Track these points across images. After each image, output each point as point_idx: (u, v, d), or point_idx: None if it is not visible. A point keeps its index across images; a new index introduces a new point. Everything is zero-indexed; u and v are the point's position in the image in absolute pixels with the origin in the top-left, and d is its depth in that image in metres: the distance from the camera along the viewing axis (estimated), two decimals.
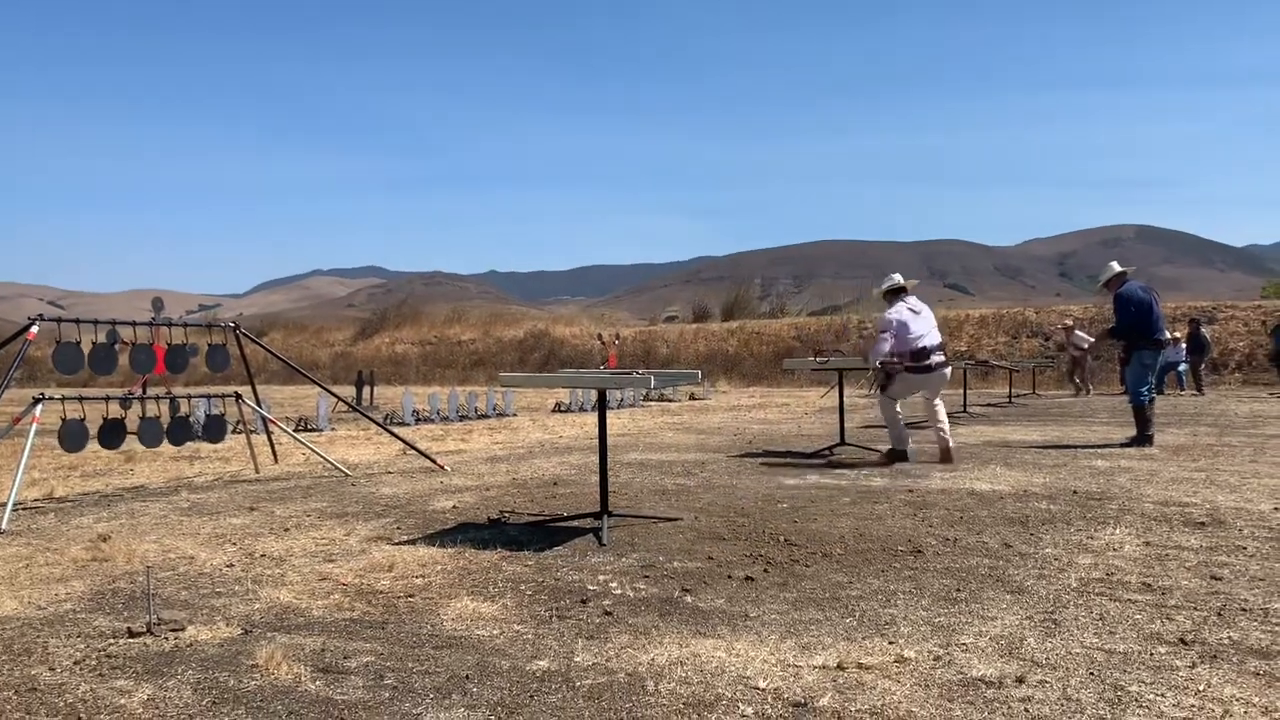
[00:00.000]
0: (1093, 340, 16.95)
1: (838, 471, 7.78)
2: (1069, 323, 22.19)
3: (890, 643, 3.23)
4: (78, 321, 6.93)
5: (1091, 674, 2.89)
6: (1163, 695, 2.71)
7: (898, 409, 8.47)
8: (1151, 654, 3.06)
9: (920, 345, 8.28)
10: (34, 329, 6.59)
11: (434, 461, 8.40)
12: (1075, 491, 6.46)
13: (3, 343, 7.01)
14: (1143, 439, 9.45)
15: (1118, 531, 5.06)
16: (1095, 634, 3.28)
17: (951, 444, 8.40)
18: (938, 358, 8.35)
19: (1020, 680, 2.84)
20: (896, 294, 8.58)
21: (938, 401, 8.53)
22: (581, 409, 17.10)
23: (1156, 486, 6.64)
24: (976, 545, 4.78)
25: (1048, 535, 5.01)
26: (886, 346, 8.38)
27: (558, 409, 17.23)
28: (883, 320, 8.48)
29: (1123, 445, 9.47)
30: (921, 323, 8.38)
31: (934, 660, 3.04)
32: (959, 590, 3.90)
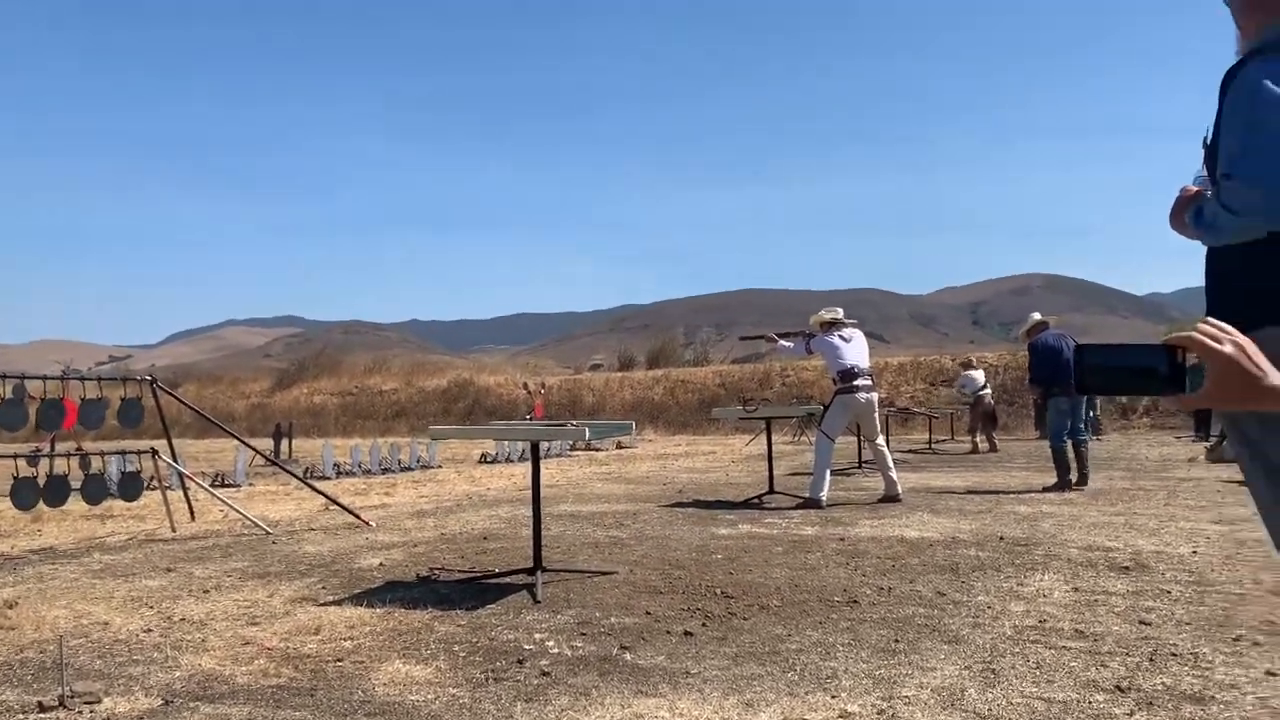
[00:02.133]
0: (982, 384, 17.30)
1: (768, 520, 7.80)
2: (948, 362, 22.55)
3: (833, 697, 3.21)
4: None
5: None
6: None
7: (831, 453, 8.79)
8: (1090, 702, 3.09)
9: (847, 365, 8.83)
10: None
11: (358, 517, 8.20)
12: (1002, 538, 6.56)
13: None
14: (1063, 484, 9.70)
15: (1046, 578, 5.14)
16: (1034, 683, 3.31)
17: (899, 485, 8.99)
18: (864, 381, 8.86)
19: None
20: (832, 325, 9.11)
21: (880, 442, 9.13)
22: (509, 459, 16.92)
23: (1079, 531, 6.78)
24: (911, 594, 4.81)
25: (979, 583, 5.06)
26: (789, 345, 9.35)
27: (484, 460, 17.02)
28: (814, 340, 9.12)
29: (1044, 490, 9.69)
30: (850, 349, 8.94)
31: (877, 714, 3.02)
32: (897, 641, 3.91)
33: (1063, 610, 4.38)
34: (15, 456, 6.90)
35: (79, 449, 11.61)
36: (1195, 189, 2.07)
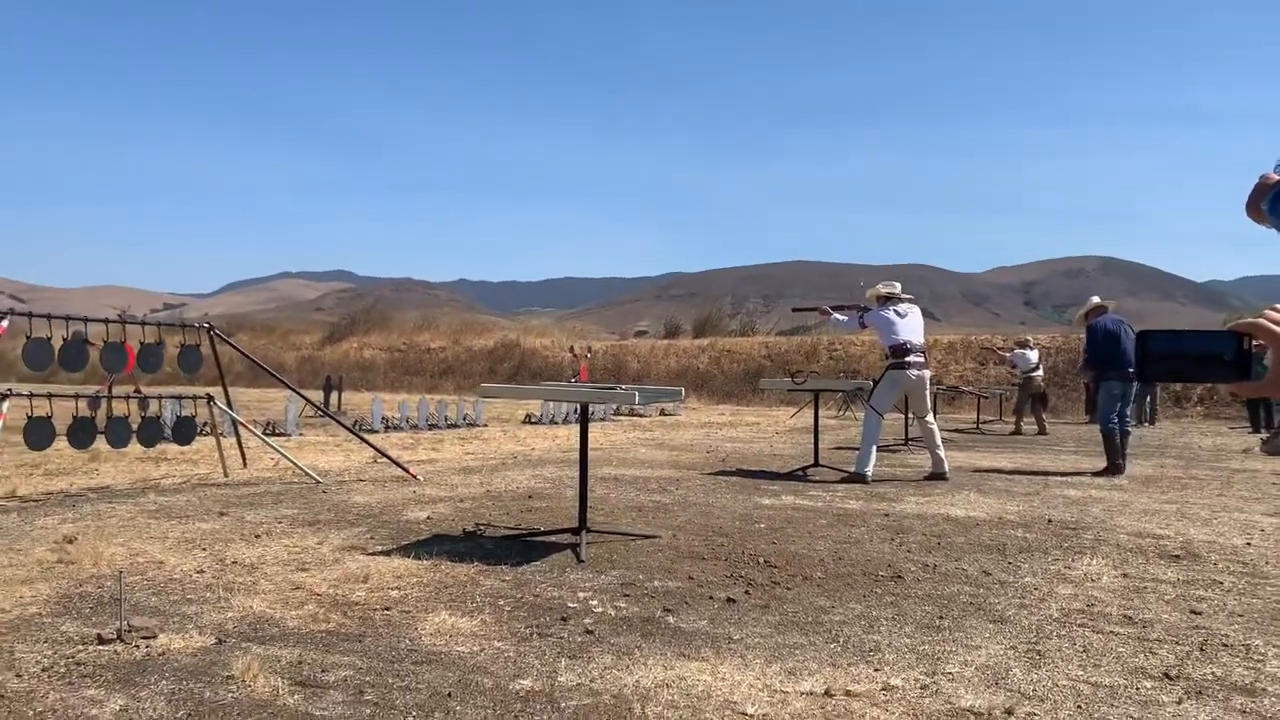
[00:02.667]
0: (1035, 364, 16.96)
1: (813, 493, 7.78)
2: (1000, 342, 22.23)
3: (876, 670, 3.20)
4: (49, 317, 6.80)
5: (1079, 707, 2.88)
6: None
7: (879, 429, 8.74)
8: (1138, 688, 3.06)
9: (900, 341, 8.72)
10: (4, 324, 6.46)
11: (406, 470, 8.31)
12: (1050, 520, 6.48)
13: None
14: (1113, 468, 9.58)
15: (1094, 562, 5.08)
16: (1080, 666, 3.28)
17: (947, 463, 8.88)
18: (916, 358, 8.75)
19: (1009, 712, 2.82)
20: (888, 300, 9.00)
21: (929, 419, 8.98)
22: (553, 421, 17.02)
23: (1130, 517, 6.68)
24: (956, 572, 4.78)
25: (1026, 564, 5.01)
26: (842, 318, 9.19)
27: (529, 420, 17.14)
28: (869, 314, 9.02)
29: (1093, 475, 9.57)
30: (905, 325, 8.81)
31: (921, 689, 3.02)
32: (941, 618, 3.89)
33: (1111, 595, 4.33)
34: (76, 397, 7.05)
35: (137, 390, 11.85)
36: (1276, 177, 2.00)
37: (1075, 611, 4.03)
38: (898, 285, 9.13)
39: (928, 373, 9.03)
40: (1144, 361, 1.42)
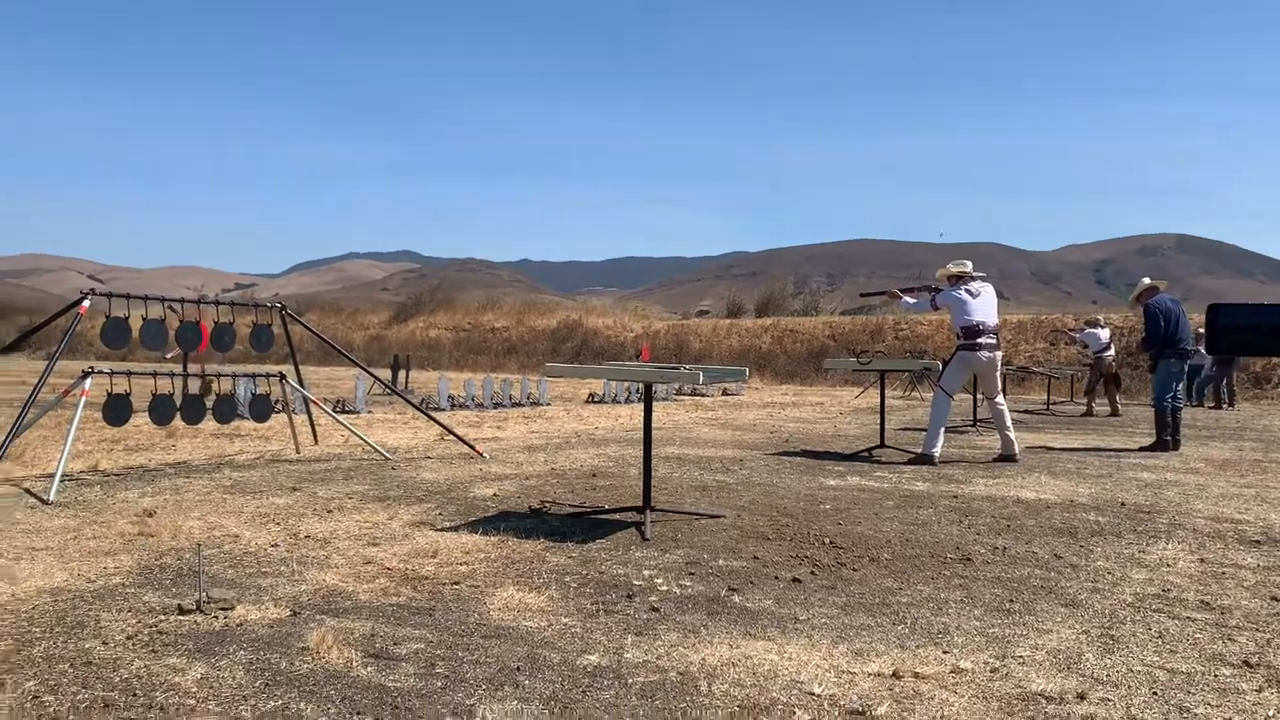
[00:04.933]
0: (1105, 343, 16.54)
1: (879, 474, 7.72)
2: (1070, 321, 21.76)
3: (945, 652, 3.17)
4: (128, 297, 6.98)
5: (1155, 694, 2.83)
6: (1230, 719, 2.64)
7: (949, 410, 8.62)
8: (1215, 675, 2.99)
9: (973, 322, 8.59)
10: (86, 303, 6.65)
11: (473, 448, 8.41)
12: (1123, 503, 6.35)
13: (54, 316, 7.08)
14: (1161, 444, 9.79)
15: (1170, 547, 4.97)
16: (1155, 652, 3.21)
17: (1016, 445, 8.74)
18: (988, 340, 8.61)
19: (1081, 697, 2.77)
20: (960, 279, 8.84)
21: (999, 400, 8.86)
22: (615, 400, 17.08)
23: (1206, 501, 6.52)
24: (1026, 555, 4.71)
25: (1098, 548, 4.92)
26: (912, 301, 9.11)
27: (591, 400, 17.23)
28: (941, 294, 8.89)
29: (1139, 450, 9.74)
30: (978, 305, 8.67)
31: (991, 672, 2.98)
32: (1011, 601, 3.84)
33: (1187, 581, 4.23)
34: (154, 374, 7.25)
35: (203, 371, 12.15)
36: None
37: (1150, 596, 3.95)
38: (969, 264, 8.94)
39: (999, 354, 8.88)
40: (1215, 335, 1.38)
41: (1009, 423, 8.75)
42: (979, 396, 12.23)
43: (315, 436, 9.04)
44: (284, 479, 6.82)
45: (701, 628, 3.42)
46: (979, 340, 8.53)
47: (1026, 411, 16.44)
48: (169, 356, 10.40)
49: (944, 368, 8.92)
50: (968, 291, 8.67)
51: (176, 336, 7.35)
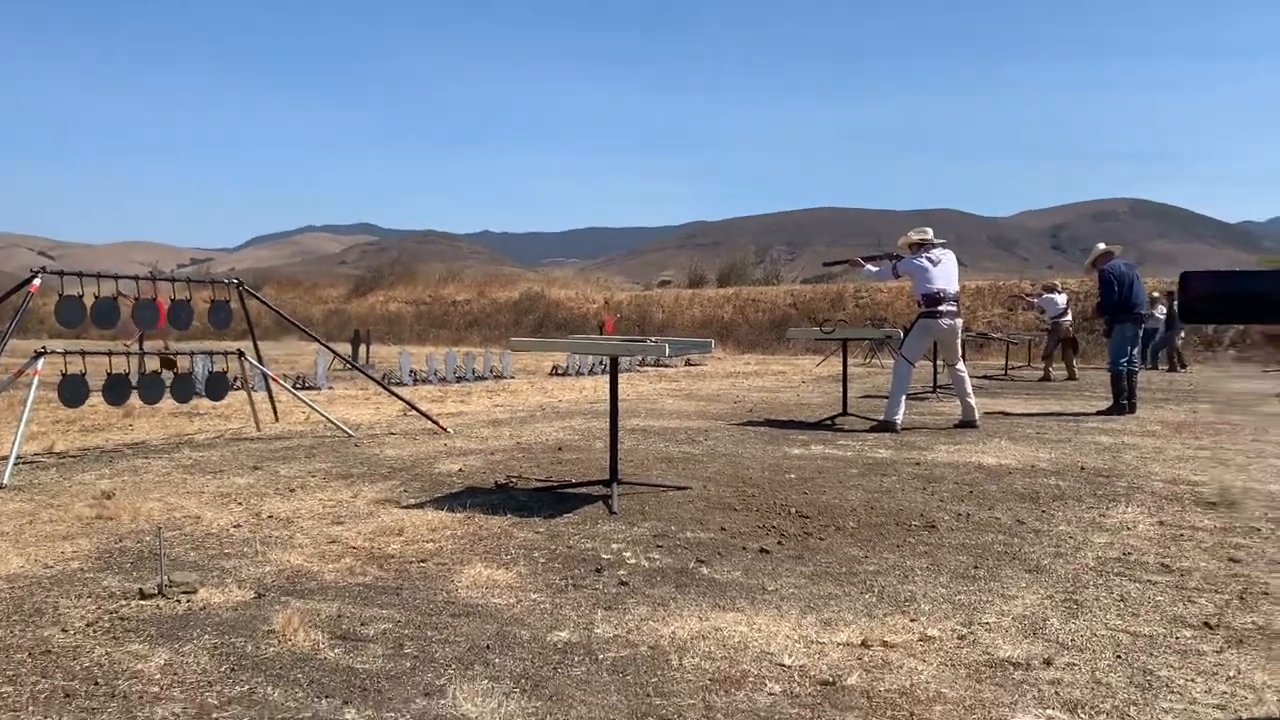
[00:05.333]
0: (1063, 308, 16.80)
1: (842, 443, 7.76)
2: (1028, 287, 22.06)
3: (912, 620, 3.20)
4: (80, 275, 6.83)
5: (1119, 657, 2.87)
6: (1193, 680, 2.69)
7: (910, 377, 8.72)
8: (1177, 638, 3.04)
9: (934, 289, 8.63)
10: (37, 281, 6.49)
11: (436, 423, 8.35)
12: (1083, 468, 6.44)
13: (5, 295, 6.91)
14: (1117, 408, 9.97)
15: (1129, 510, 5.04)
16: (1118, 616, 3.26)
17: (977, 411, 8.86)
18: (949, 307, 8.68)
19: (1048, 662, 2.81)
20: (921, 246, 8.89)
21: (960, 367, 8.95)
22: (579, 373, 17.05)
23: (1164, 464, 6.63)
24: (989, 521, 4.76)
25: (1060, 512, 4.99)
26: (874, 269, 9.16)
27: (555, 372, 17.18)
28: (902, 262, 8.92)
29: (1096, 414, 9.92)
30: (939, 272, 8.70)
31: (958, 640, 3.01)
32: (976, 568, 3.88)
33: (1147, 544, 4.30)
34: (109, 353, 7.11)
35: (166, 348, 11.96)
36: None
37: (1112, 560, 4.00)
38: (929, 231, 8.99)
39: (960, 321, 8.94)
40: (1188, 302, 1.38)
41: (969, 389, 8.83)
42: (939, 363, 12.34)
43: (276, 414, 8.92)
44: (245, 458, 6.74)
45: (671, 601, 3.42)
46: (940, 308, 8.58)
47: (985, 377, 16.62)
48: (129, 345, 10.23)
49: (905, 335, 8.97)
50: (929, 259, 8.70)
51: (133, 314, 7.20)
